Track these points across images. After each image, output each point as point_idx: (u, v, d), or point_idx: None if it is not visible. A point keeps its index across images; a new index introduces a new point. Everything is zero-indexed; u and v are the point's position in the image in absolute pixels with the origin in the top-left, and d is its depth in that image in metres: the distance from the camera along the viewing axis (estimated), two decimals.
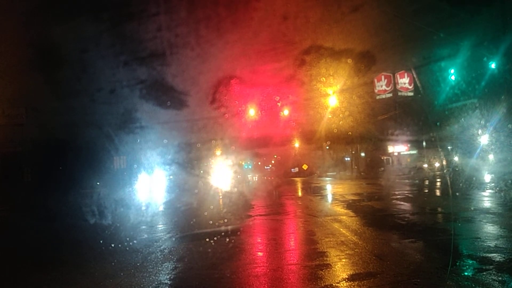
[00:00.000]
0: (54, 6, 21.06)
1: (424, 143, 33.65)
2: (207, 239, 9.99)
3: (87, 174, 23.38)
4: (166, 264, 7.78)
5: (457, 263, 6.60)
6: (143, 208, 18.19)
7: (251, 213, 15.32)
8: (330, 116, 30.86)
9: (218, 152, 42.89)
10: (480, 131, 25.42)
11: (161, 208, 19.29)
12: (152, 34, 20.34)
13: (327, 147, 43.79)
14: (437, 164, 38.43)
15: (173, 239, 10.52)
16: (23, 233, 12.26)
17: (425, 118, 28.70)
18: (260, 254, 8.57)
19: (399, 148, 47.23)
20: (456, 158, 30.11)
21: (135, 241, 9.71)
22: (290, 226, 12.49)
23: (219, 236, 10.35)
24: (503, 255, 6.98)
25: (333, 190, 26.87)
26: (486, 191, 18.27)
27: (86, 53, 23.65)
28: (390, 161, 50.20)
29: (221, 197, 26.45)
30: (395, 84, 33.05)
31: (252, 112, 29.88)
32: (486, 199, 15.72)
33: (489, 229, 9.67)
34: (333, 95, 29.60)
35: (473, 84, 24.09)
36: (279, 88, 30.05)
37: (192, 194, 28.74)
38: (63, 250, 9.15)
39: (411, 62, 31.00)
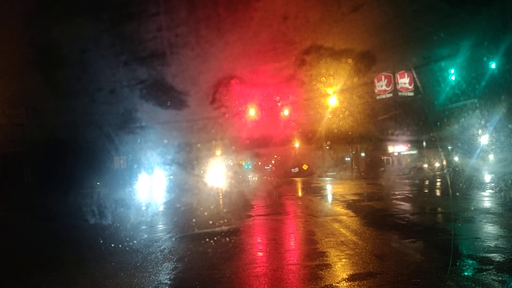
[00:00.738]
0: (54, 6, 21.03)
1: (424, 143, 33.63)
2: (207, 239, 9.99)
3: (87, 174, 23.37)
4: (166, 264, 7.78)
5: (457, 263, 6.60)
6: (143, 208, 18.20)
7: (251, 213, 15.32)
8: (330, 116, 30.84)
9: (218, 152, 42.87)
10: (480, 131, 25.41)
11: (161, 208, 19.29)
12: (152, 34, 20.33)
13: (327, 147, 43.75)
14: (437, 164, 38.44)
15: (173, 239, 10.53)
16: (23, 233, 12.25)
17: (425, 118, 28.68)
18: (260, 254, 8.57)
19: (399, 148, 47.23)
20: (456, 158, 30.10)
21: (135, 241, 9.72)
22: (290, 226, 12.49)
23: (219, 236, 10.35)
24: (503, 255, 6.98)
25: (333, 190, 26.88)
26: (486, 191, 18.27)
27: (86, 53, 23.68)
28: (390, 161, 50.21)
29: (221, 197, 26.45)
30: (395, 84, 33.03)
31: (252, 112, 29.87)
32: (486, 199, 15.72)
33: (489, 229, 9.67)
34: (333, 95, 29.58)
35: (473, 84, 24.07)
36: (279, 88, 30.04)
37: (192, 194, 28.74)
38: (63, 250, 9.15)
39: (411, 62, 30.99)
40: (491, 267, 6.33)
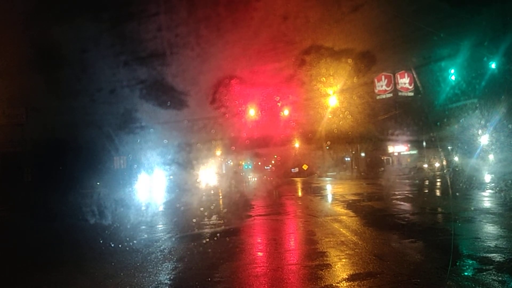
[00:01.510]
0: (54, 6, 21.02)
1: (424, 143, 33.63)
2: (207, 239, 10.00)
3: (87, 174, 23.36)
4: (166, 264, 7.78)
5: (457, 263, 6.60)
6: (143, 208, 18.20)
7: (251, 213, 15.32)
8: (330, 116, 30.81)
9: (218, 152, 42.88)
10: (480, 131, 25.41)
11: (161, 208, 19.29)
12: (152, 34, 20.31)
13: (327, 147, 43.75)
14: (437, 164, 38.45)
15: (173, 239, 10.53)
16: (23, 233, 12.26)
17: (425, 118, 28.67)
18: (260, 254, 8.57)
19: (399, 148, 47.22)
20: (456, 158, 30.10)
21: (135, 241, 9.72)
22: (290, 226, 12.49)
23: (219, 236, 10.36)
24: (503, 255, 6.98)
25: (333, 190, 26.88)
26: (486, 191, 18.27)
27: (86, 53, 23.65)
28: (390, 161, 50.22)
29: (221, 197, 26.46)
30: (395, 84, 33.01)
31: (252, 112, 29.82)
32: (486, 199, 15.72)
33: (489, 229, 9.67)
34: (333, 95, 29.54)
35: (473, 84, 24.06)
36: (279, 88, 30.00)
37: (192, 194, 28.75)
38: (63, 250, 9.16)
39: (411, 62, 30.97)
40: (491, 267, 6.33)
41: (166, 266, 7.59)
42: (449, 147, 29.87)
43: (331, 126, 31.03)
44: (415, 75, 31.68)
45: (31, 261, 8.32)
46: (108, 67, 21.08)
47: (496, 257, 6.89)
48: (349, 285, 5.81)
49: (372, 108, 31.92)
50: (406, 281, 5.93)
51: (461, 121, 25.67)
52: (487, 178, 23.97)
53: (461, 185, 19.32)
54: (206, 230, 11.60)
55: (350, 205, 15.86)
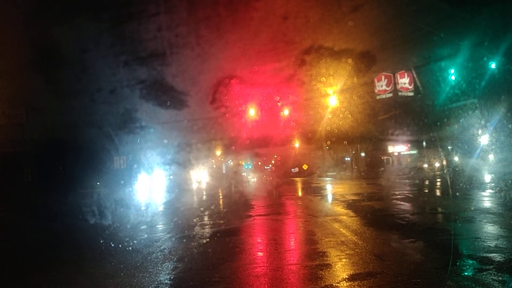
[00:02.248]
0: (54, 6, 21.02)
1: (424, 143, 33.61)
2: (207, 239, 10.01)
3: (87, 174, 23.36)
4: (166, 264, 7.78)
5: (457, 263, 6.60)
6: (143, 208, 18.20)
7: (251, 213, 15.32)
8: (330, 116, 30.80)
9: (218, 152, 42.91)
10: (480, 131, 25.41)
11: (161, 208, 19.29)
12: (152, 34, 20.30)
13: (327, 147, 43.76)
14: (437, 164, 38.45)
15: (173, 239, 10.53)
16: (23, 233, 12.26)
17: (425, 118, 28.64)
18: (260, 254, 8.57)
19: (399, 148, 47.20)
20: (456, 158, 30.10)
21: (135, 241, 9.72)
22: (290, 226, 12.49)
23: (219, 236, 10.37)
24: (503, 255, 6.98)
25: (333, 190, 26.88)
26: (486, 191, 18.27)
27: (86, 53, 23.63)
28: (390, 161, 50.21)
29: (221, 197, 26.47)
30: (395, 84, 33.00)
31: (252, 112, 29.80)
32: (486, 199, 15.71)
33: (489, 229, 9.67)
34: (333, 95, 29.53)
35: (473, 84, 24.05)
36: (279, 88, 29.98)
37: (192, 194, 28.76)
38: (63, 250, 9.16)
39: (411, 62, 30.96)
40: (491, 267, 6.33)
41: (166, 266, 7.59)
42: (449, 147, 29.87)
43: (331, 126, 31.03)
44: (415, 75, 31.67)
45: (31, 261, 8.32)
46: (108, 67, 21.07)
47: (496, 257, 6.89)
48: (349, 285, 5.81)
49: (372, 108, 31.91)
50: (406, 281, 5.93)
51: (461, 121, 25.66)
52: (487, 178, 23.97)
53: (461, 185, 19.32)
54: (206, 230, 11.60)
55: (350, 205, 15.86)
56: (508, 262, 6.61)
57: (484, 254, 7.08)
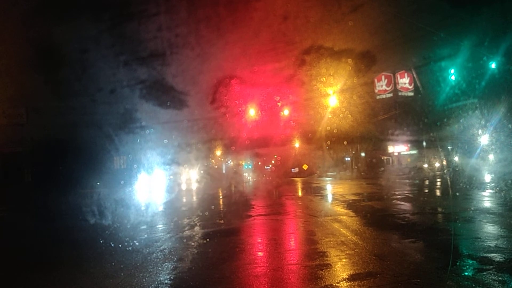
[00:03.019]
0: (54, 6, 21.01)
1: (424, 143, 33.63)
2: (207, 239, 10.01)
3: (87, 174, 23.35)
4: (166, 264, 7.78)
5: (457, 263, 6.60)
6: (143, 208, 18.20)
7: (251, 213, 15.32)
8: (330, 116, 30.82)
9: (218, 152, 42.92)
10: (480, 131, 25.43)
11: (161, 208, 19.29)
12: (152, 34, 20.34)
13: (327, 147, 43.76)
14: (437, 164, 38.48)
15: (173, 239, 10.53)
16: (23, 233, 12.27)
17: (425, 118, 28.65)
18: (260, 254, 8.57)
19: (399, 148, 47.22)
20: (456, 158, 30.13)
21: (135, 241, 9.72)
22: (290, 226, 12.49)
23: (219, 236, 10.37)
24: (503, 255, 6.98)
25: (333, 190, 26.88)
26: (486, 191, 18.27)
27: (86, 53, 23.62)
28: (390, 161, 50.22)
29: (221, 197, 26.48)
30: (395, 84, 33.02)
31: (252, 112, 29.83)
32: (486, 199, 15.71)
33: (489, 229, 9.67)
34: (333, 95, 29.55)
35: (473, 84, 24.06)
36: (279, 88, 30.00)
37: (192, 194, 28.77)
38: (63, 250, 9.15)
39: (411, 62, 31.00)
40: (491, 267, 6.33)
41: (166, 266, 7.59)
42: (449, 147, 29.90)
43: (331, 126, 31.04)
44: (415, 75, 31.69)
45: (31, 261, 8.32)
46: (108, 67, 21.09)
47: (496, 257, 6.89)
48: (349, 285, 5.81)
49: (372, 108, 31.93)
50: (406, 281, 5.92)
51: (461, 121, 25.68)
52: (487, 178, 23.98)
53: (461, 185, 19.33)
54: (206, 230, 11.60)
55: (350, 205, 15.86)
56: (508, 262, 6.61)
57: (484, 254, 7.08)
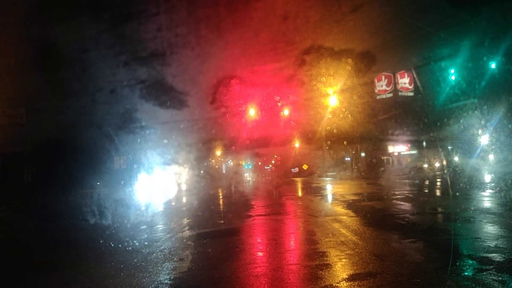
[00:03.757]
0: (54, 6, 21.02)
1: (424, 143, 33.68)
2: (207, 239, 10.01)
3: (87, 174, 23.37)
4: (166, 264, 7.77)
5: (457, 263, 6.60)
6: (143, 208, 18.20)
7: (251, 213, 15.32)
8: (330, 116, 30.82)
9: (218, 152, 42.94)
10: (480, 131, 25.44)
11: (161, 208, 19.30)
12: (152, 34, 20.32)
13: (327, 147, 43.78)
14: (437, 164, 38.49)
15: (173, 239, 10.52)
16: (23, 233, 12.27)
17: (425, 118, 28.66)
18: (260, 254, 8.57)
19: (399, 148, 47.25)
20: (456, 158, 30.14)
21: (135, 241, 9.72)
22: (290, 226, 12.48)
23: (219, 236, 10.37)
24: (503, 255, 6.98)
25: (333, 190, 26.88)
26: (486, 191, 18.27)
27: (86, 53, 23.60)
28: (390, 161, 50.25)
29: (221, 197, 26.48)
30: (395, 84, 33.03)
31: (252, 112, 29.84)
32: (486, 199, 15.71)
33: (489, 229, 9.66)
34: (333, 95, 29.55)
35: (473, 84, 24.06)
36: (279, 88, 30.01)
37: (192, 194, 28.77)
38: (63, 250, 9.15)
39: (411, 62, 31.00)
40: (491, 267, 6.33)
41: (166, 266, 7.59)
42: (449, 147, 29.90)
43: (331, 126, 31.05)
44: (415, 75, 31.70)
45: (31, 261, 8.32)
46: (108, 67, 21.08)
47: (496, 257, 6.89)
48: (349, 285, 5.81)
49: (372, 108, 31.93)
50: (406, 281, 5.92)
51: (461, 121, 25.68)
52: (487, 178, 23.98)
53: (461, 185, 19.33)
54: (206, 230, 11.60)
55: (350, 205, 15.86)
56: (508, 262, 6.61)
57: (484, 254, 7.07)
